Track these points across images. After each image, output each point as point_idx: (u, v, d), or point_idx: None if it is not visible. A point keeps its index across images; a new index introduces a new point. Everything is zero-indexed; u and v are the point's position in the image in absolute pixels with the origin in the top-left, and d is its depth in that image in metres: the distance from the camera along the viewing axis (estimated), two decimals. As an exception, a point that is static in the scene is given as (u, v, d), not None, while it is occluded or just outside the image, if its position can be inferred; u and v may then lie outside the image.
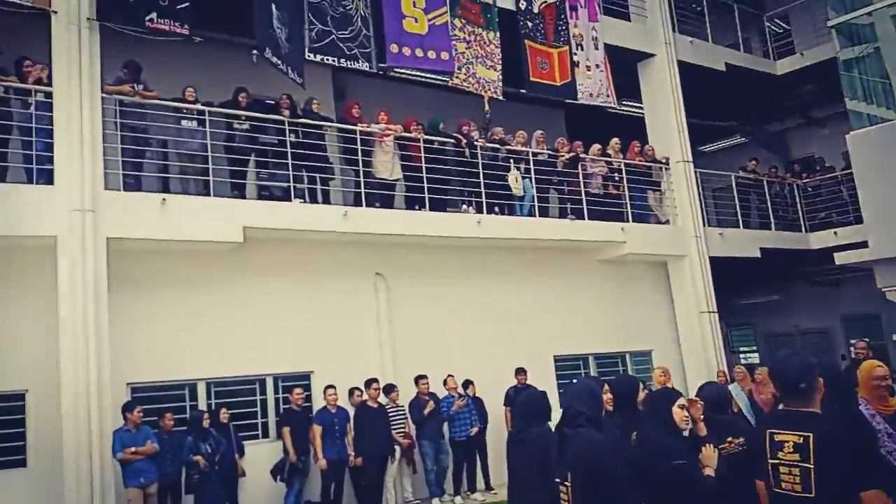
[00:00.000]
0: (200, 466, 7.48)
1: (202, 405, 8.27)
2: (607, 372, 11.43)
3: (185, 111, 8.52)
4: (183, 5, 8.44)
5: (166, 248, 8.14)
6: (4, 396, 7.40)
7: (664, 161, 12.50)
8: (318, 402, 8.78)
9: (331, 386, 8.55)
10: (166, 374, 8.17)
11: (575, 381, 10.58)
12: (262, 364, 8.77)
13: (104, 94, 7.92)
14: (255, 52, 8.34)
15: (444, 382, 9.28)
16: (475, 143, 10.38)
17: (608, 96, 12.32)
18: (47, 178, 7.48)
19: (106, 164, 7.77)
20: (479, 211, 10.18)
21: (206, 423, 7.70)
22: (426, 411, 8.92)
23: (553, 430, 3.63)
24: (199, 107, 8.53)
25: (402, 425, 8.95)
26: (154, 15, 8.32)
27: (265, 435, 8.79)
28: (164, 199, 7.93)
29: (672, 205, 12.40)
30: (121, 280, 7.69)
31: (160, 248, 8.09)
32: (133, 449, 7.15)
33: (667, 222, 12.35)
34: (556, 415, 3.58)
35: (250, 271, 8.76)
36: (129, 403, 7.44)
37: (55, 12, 7.77)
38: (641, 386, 4.92)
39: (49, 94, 7.62)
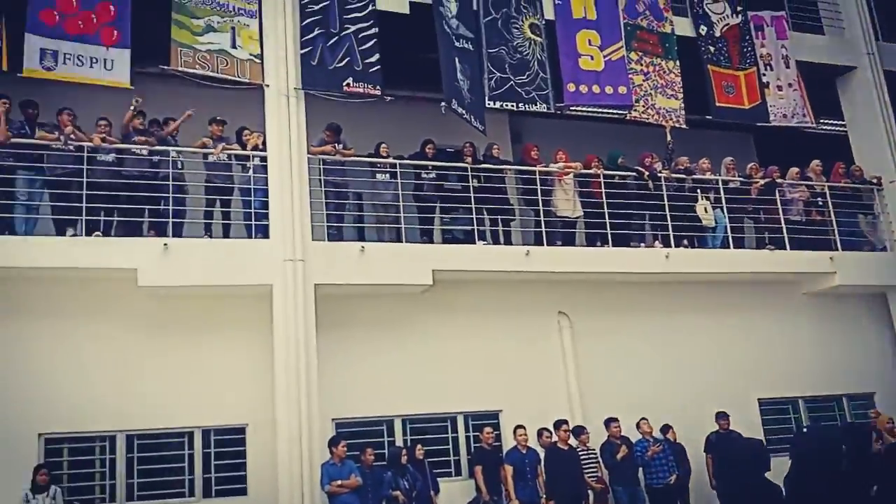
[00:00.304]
0: (399, 502, 7.73)
1: (398, 441, 8.69)
2: (821, 417, 10.49)
3: (379, 165, 9.21)
4: (375, 69, 9.21)
5: (365, 292, 8.76)
6: (228, 430, 8.25)
7: (875, 181, 11.40)
8: (507, 442, 8.87)
9: (521, 426, 8.59)
10: (366, 410, 8.69)
11: (805, 428, 9.95)
12: (452, 402, 9.04)
13: (310, 155, 8.77)
14: (443, 104, 8.87)
15: (638, 426, 8.98)
16: (658, 174, 10.15)
17: (804, 115, 11.55)
18: (264, 232, 8.39)
19: (312, 218, 8.56)
20: (667, 245, 9.89)
21: (403, 459, 8.02)
22: (619, 456, 8.66)
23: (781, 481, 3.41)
24: (391, 160, 9.19)
25: (595, 469, 8.75)
26: (350, 79, 9.15)
27: (457, 473, 8.99)
28: (362, 248, 8.59)
29: (889, 229, 11.25)
30: (326, 322, 8.36)
31: (360, 292, 8.72)
32: (339, 482, 7.60)
33: (883, 249, 11.21)
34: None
35: (440, 312, 9.13)
36: (335, 438, 7.97)
37: (267, 85, 8.80)
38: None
39: (264, 158, 8.58)
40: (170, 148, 8.41)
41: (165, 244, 7.88)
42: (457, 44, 9.65)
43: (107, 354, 7.92)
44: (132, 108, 8.25)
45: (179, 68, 8.48)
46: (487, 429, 8.71)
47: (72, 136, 7.99)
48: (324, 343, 8.21)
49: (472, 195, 9.14)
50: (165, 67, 8.43)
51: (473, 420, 9.12)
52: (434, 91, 9.20)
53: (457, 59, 9.50)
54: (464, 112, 9.28)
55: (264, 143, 8.62)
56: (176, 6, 8.61)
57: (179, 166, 8.52)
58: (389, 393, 8.74)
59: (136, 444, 7.92)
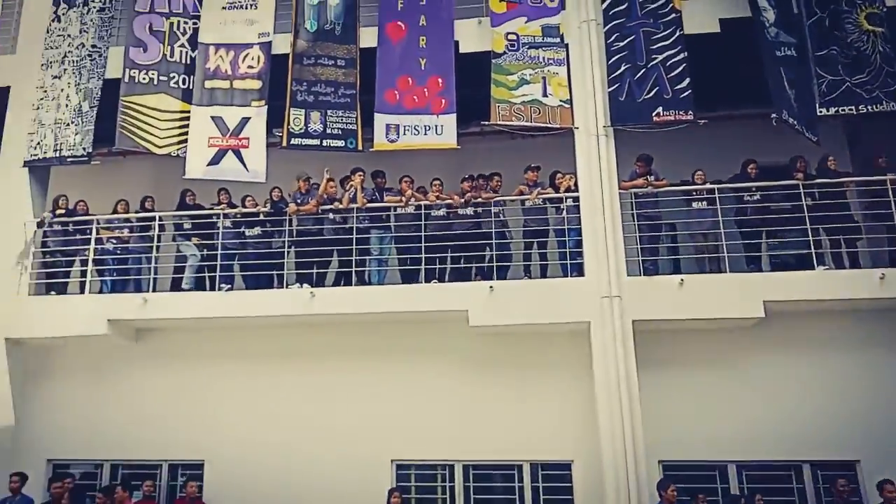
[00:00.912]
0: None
1: (734, 489, 8.02)
2: None
3: (695, 192, 8.81)
4: (685, 94, 8.90)
5: (686, 327, 8.37)
6: (554, 465, 8.44)
7: None
8: (870, 496, 7.62)
9: (888, 481, 7.28)
10: (695, 453, 8.21)
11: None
12: (794, 447, 8.08)
13: (621, 190, 8.78)
14: (773, 115, 8.27)
15: None
16: None
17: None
18: (579, 270, 8.58)
19: (627, 253, 8.50)
20: None
21: (742, 510, 7.44)
22: None
23: None
24: (708, 186, 8.72)
25: None
26: (660, 109, 8.97)
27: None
28: (681, 280, 8.25)
29: None
30: (647, 359, 8.17)
31: (680, 327, 8.36)
32: (669, 527, 7.33)
33: None
34: None
35: (771, 346, 8.32)
36: (663, 481, 7.66)
37: (577, 128, 9.06)
38: None
39: (576, 199, 8.81)
40: (492, 197, 9.11)
41: (491, 287, 8.52)
42: (778, 52, 8.87)
43: (444, 389, 8.75)
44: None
45: (498, 122, 9.19)
46: (842, 480, 7.60)
47: (412, 199, 9.17)
48: (645, 380, 8.03)
49: (805, 215, 8.21)
50: (485, 123, 9.21)
51: (822, 470, 8.02)
52: (751, 107, 8.56)
53: (781, 70, 8.73)
54: (794, 122, 8.45)
55: (576, 183, 8.85)
56: (494, 67, 9.36)
57: (501, 215, 9.17)
58: (720, 435, 8.16)
59: (471, 474, 8.54)
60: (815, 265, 8.16)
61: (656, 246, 8.79)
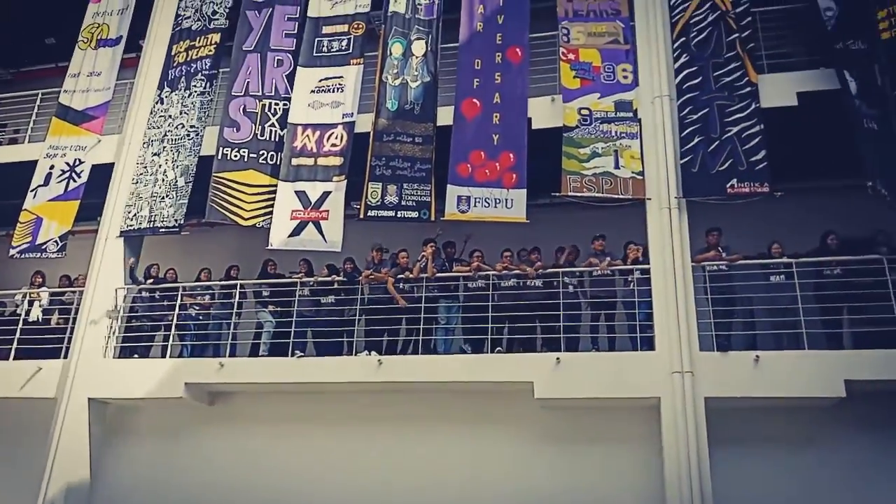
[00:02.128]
0: None
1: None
2: None
3: (771, 266, 8.50)
4: (761, 166, 8.74)
5: (761, 405, 7.95)
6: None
7: None
8: None
9: None
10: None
11: None
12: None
13: (693, 264, 8.58)
14: (869, 184, 8.05)
15: None
16: None
17: None
18: (649, 344, 8.34)
19: (699, 327, 8.23)
20: None
21: None
22: None
23: None
24: (785, 260, 8.41)
25: None
26: (734, 181, 8.84)
27: None
28: (756, 357, 7.89)
29: None
30: (719, 438, 7.77)
31: (755, 405, 7.96)
32: None
33: None
34: None
35: (852, 427, 7.81)
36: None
37: (649, 199, 9.00)
38: None
39: (645, 270, 8.66)
40: (559, 269, 9.09)
41: (558, 359, 8.39)
42: (865, 124, 8.62)
43: (509, 461, 8.58)
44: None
45: (569, 193, 9.23)
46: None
47: (479, 269, 9.27)
48: (717, 460, 7.61)
49: (890, 290, 7.75)
50: (556, 195, 9.26)
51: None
52: (829, 179, 8.28)
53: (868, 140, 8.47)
54: (886, 193, 8.12)
55: (644, 255, 8.72)
56: (566, 140, 9.49)
57: (570, 287, 9.09)
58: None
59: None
60: (905, 344, 7.64)
61: (730, 321, 8.46)
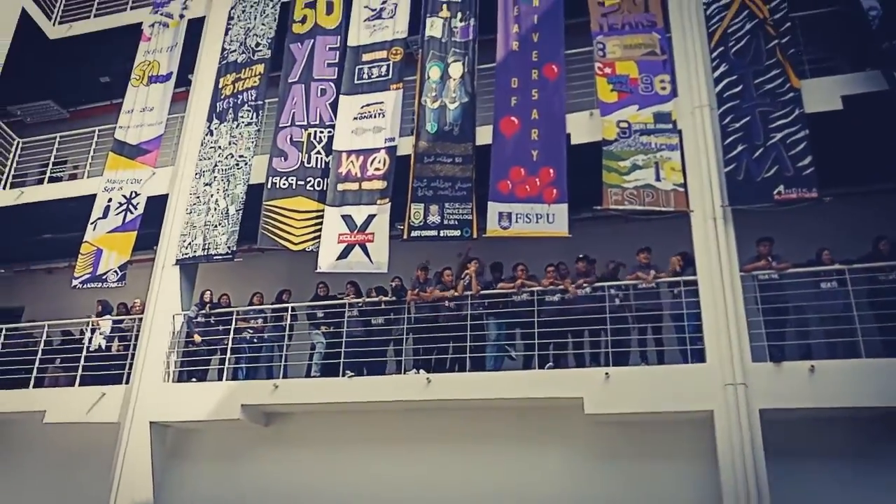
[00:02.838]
0: None
1: None
2: None
3: (823, 273, 8.34)
4: (808, 171, 8.61)
5: (818, 416, 7.79)
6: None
7: None
8: None
9: None
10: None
11: None
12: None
13: (742, 273, 8.48)
14: None
15: None
16: None
17: None
18: (699, 356, 8.26)
19: (751, 338, 8.12)
20: None
21: None
22: None
23: None
24: (836, 267, 8.25)
25: None
26: (781, 187, 8.73)
27: None
28: (811, 367, 7.75)
29: None
30: (775, 450, 7.63)
31: (811, 415, 7.80)
32: None
33: None
34: None
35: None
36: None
37: (692, 211, 8.94)
38: None
39: (691, 282, 8.59)
40: (605, 283, 9.08)
41: (607, 374, 8.37)
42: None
43: (560, 477, 8.58)
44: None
45: (611, 206, 9.23)
46: None
47: (523, 285, 9.32)
48: (775, 472, 7.48)
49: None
50: (598, 208, 9.26)
51: None
52: (879, 183, 8.12)
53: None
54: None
55: (686, 263, 8.66)
56: (606, 154, 9.50)
57: (616, 301, 9.06)
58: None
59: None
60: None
61: (783, 330, 8.32)
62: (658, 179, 9.31)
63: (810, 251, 8.54)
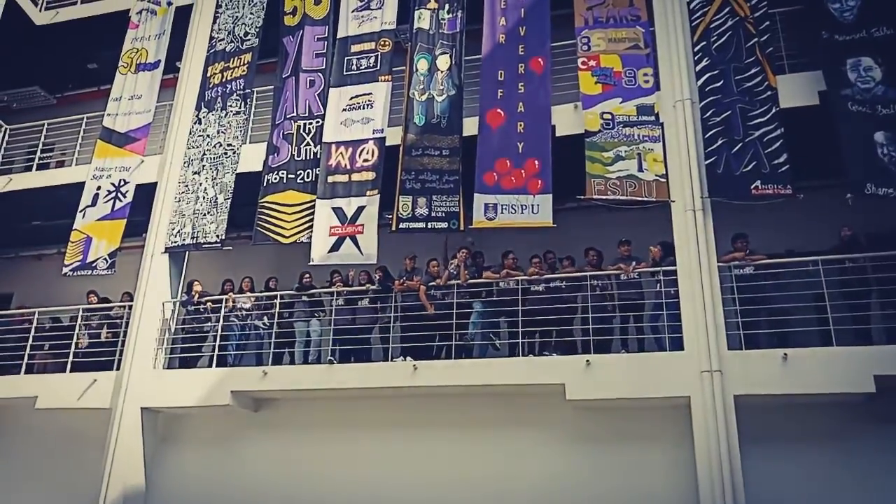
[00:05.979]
0: None
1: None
2: None
3: (796, 264, 8.59)
4: (783, 169, 8.86)
5: (791, 402, 8.07)
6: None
7: None
8: None
9: None
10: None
11: None
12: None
13: (720, 264, 8.73)
14: (848, 196, 8.19)
15: None
16: None
17: None
18: (677, 344, 8.52)
19: (727, 327, 8.37)
20: None
21: None
22: None
23: None
24: (810, 258, 8.50)
25: None
26: (758, 182, 8.97)
27: None
28: (784, 355, 8.02)
29: None
30: (750, 436, 7.93)
31: (784, 402, 8.08)
32: None
33: None
34: None
35: (885, 423, 7.86)
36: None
37: (673, 201, 9.18)
38: None
39: (672, 272, 8.83)
40: (587, 273, 9.32)
41: (588, 361, 8.62)
42: (881, 111, 8.72)
43: (542, 461, 8.83)
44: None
45: (594, 196, 9.43)
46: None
47: (509, 275, 9.55)
48: (748, 457, 7.78)
49: (919, 284, 7.84)
50: (581, 198, 9.46)
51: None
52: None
53: (880, 134, 8.56)
54: (891, 191, 8.21)
55: (661, 252, 8.92)
56: (589, 144, 9.68)
57: (597, 289, 9.29)
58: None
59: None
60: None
61: (757, 319, 8.59)
62: (641, 170, 9.51)
63: (784, 242, 8.80)
